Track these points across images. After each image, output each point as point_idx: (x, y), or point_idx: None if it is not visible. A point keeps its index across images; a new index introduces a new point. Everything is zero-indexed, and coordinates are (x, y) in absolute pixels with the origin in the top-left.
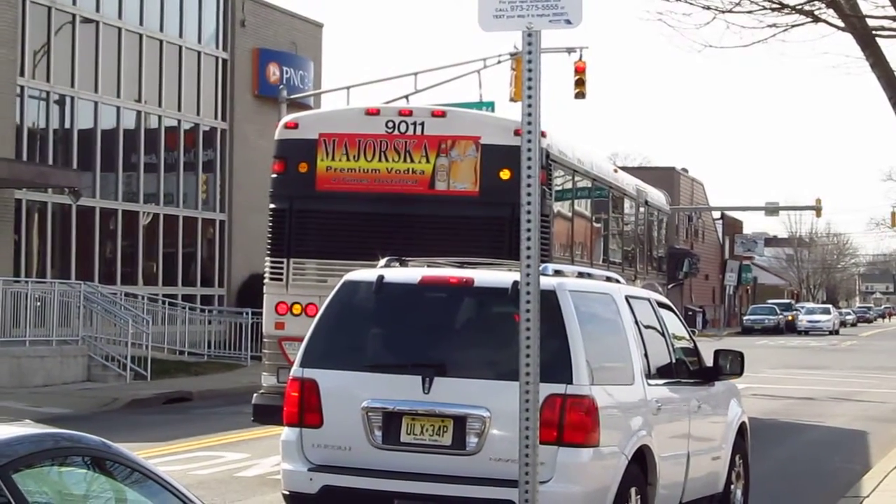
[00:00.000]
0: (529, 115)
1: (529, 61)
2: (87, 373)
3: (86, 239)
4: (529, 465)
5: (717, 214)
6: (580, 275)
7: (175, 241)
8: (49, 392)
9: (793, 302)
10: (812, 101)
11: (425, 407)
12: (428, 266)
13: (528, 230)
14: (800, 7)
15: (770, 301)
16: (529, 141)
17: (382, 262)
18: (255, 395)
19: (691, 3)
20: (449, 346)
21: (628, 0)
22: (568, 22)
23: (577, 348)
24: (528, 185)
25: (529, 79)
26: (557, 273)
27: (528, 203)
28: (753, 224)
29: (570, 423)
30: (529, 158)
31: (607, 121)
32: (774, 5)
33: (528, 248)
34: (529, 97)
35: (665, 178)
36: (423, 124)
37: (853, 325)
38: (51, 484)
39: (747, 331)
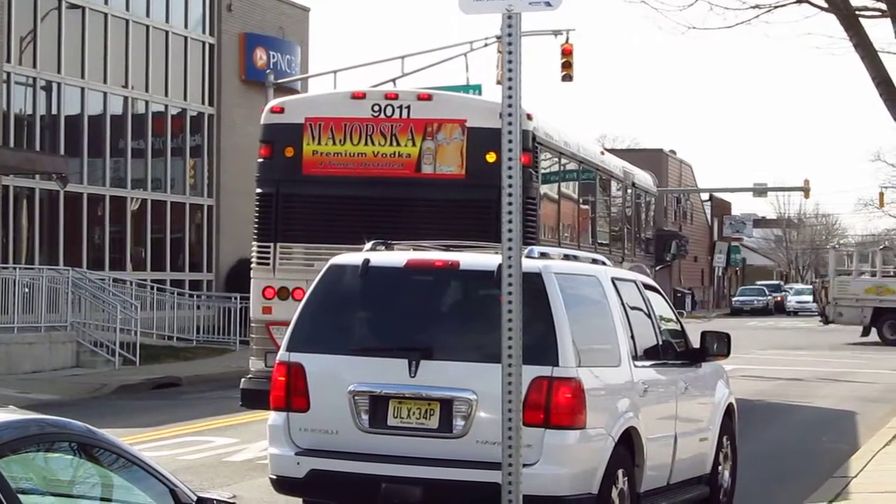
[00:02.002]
0: (510, 97)
1: (510, 44)
2: (76, 359)
3: (74, 225)
4: (512, 448)
5: (705, 196)
6: (566, 257)
7: (163, 227)
8: (38, 378)
9: (782, 283)
10: (798, 81)
11: (412, 390)
12: (414, 249)
13: (510, 213)
14: None
15: (759, 282)
16: (510, 124)
17: (368, 245)
18: (243, 379)
19: None
20: (435, 330)
21: None
22: (548, 4)
23: (563, 330)
24: (510, 168)
25: (510, 61)
26: (543, 255)
27: (510, 186)
28: (742, 205)
29: (556, 406)
30: (510, 141)
31: (595, 103)
32: None
33: (510, 231)
34: (510, 80)
35: (653, 159)
36: (409, 108)
37: None
38: (36, 469)
39: (736, 312)
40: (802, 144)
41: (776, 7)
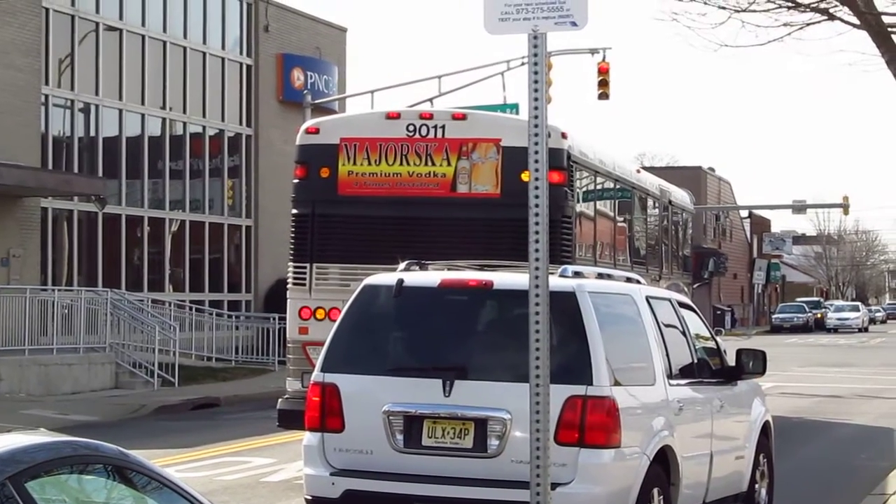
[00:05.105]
0: (536, 117)
1: (535, 64)
2: (115, 380)
3: (112, 246)
4: (540, 468)
5: (744, 213)
6: (600, 276)
7: (201, 248)
8: (77, 399)
9: (822, 300)
10: (835, 98)
11: (446, 410)
12: (448, 269)
13: (537, 232)
14: (815, 5)
15: (799, 299)
16: (536, 143)
17: (402, 265)
18: (279, 400)
19: (706, 3)
20: (469, 349)
21: (644, 1)
22: (573, 24)
23: (596, 349)
24: (536, 188)
25: (535, 81)
26: (577, 275)
27: (536, 206)
28: (781, 222)
29: (591, 425)
30: (537, 161)
31: (633, 121)
32: (789, 4)
33: (537, 251)
34: (536, 99)
35: (692, 177)
36: (443, 127)
37: (883, 322)
38: (70, 491)
39: (776, 329)
40: (841, 161)
41: (808, 24)
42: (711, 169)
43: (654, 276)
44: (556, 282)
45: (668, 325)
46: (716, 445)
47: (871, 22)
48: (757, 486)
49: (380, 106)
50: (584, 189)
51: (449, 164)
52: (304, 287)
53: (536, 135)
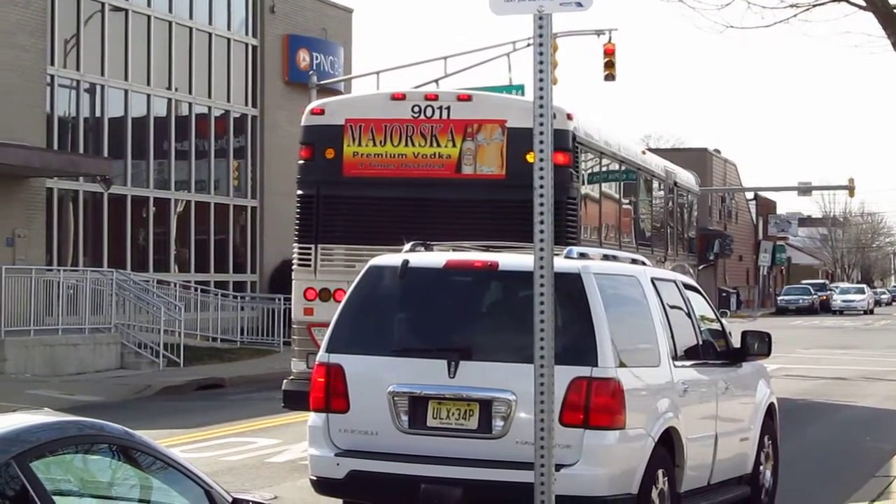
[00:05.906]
0: (541, 98)
1: (541, 44)
2: (120, 360)
3: (117, 227)
4: (545, 449)
5: (750, 195)
6: (605, 257)
7: (207, 228)
8: (82, 380)
9: (827, 282)
10: (841, 79)
11: (451, 391)
12: (453, 250)
13: (542, 213)
14: None
15: (804, 281)
16: (542, 125)
17: (407, 246)
18: (284, 381)
19: None
20: (474, 330)
21: None
22: (579, 4)
23: (602, 331)
24: (542, 169)
25: (541, 62)
26: (582, 256)
27: (542, 187)
28: (787, 204)
29: (595, 406)
30: (542, 142)
31: (640, 102)
32: None
33: (542, 232)
34: (541, 80)
35: (698, 159)
36: (448, 108)
37: (888, 304)
38: (75, 471)
39: (781, 311)
40: (847, 142)
41: (814, 6)
42: (717, 151)
43: (659, 258)
44: (562, 263)
45: (673, 307)
46: (720, 427)
47: (877, 3)
48: (761, 467)
49: (385, 87)
50: (590, 170)
51: (454, 146)
52: (309, 268)
53: (542, 116)
